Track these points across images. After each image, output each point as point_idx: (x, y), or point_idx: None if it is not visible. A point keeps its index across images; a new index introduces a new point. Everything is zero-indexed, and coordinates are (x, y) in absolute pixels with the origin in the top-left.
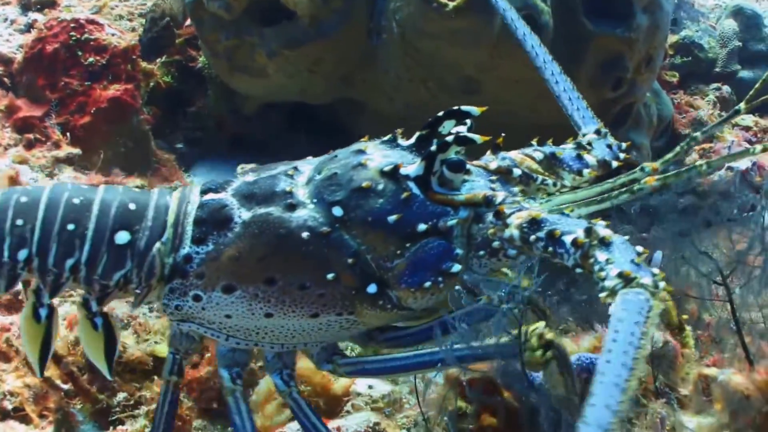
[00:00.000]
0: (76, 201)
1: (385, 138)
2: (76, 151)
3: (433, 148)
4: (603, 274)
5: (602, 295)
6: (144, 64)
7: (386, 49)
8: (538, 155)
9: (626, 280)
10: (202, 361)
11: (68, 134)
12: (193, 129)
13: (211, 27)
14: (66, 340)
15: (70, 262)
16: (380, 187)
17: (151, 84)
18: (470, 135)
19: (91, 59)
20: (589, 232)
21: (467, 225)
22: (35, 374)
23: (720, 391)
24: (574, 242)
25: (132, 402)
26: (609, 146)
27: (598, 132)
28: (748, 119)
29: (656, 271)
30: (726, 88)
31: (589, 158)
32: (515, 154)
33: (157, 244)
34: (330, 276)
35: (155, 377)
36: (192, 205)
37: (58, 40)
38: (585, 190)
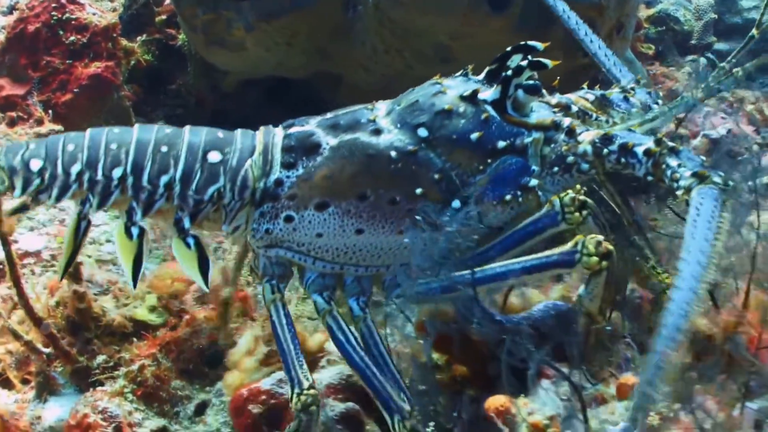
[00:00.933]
0: (167, 131)
1: (457, 74)
2: (59, 127)
3: (509, 72)
4: (677, 176)
5: (679, 193)
6: (125, 42)
7: (362, 20)
8: (591, 96)
9: (701, 178)
10: (180, 323)
11: (50, 111)
12: (173, 106)
13: (188, 2)
14: (46, 304)
15: (164, 178)
16: (461, 109)
17: (132, 62)
18: (542, 60)
19: (72, 38)
20: (659, 142)
21: (540, 145)
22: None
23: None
24: (647, 152)
25: (111, 364)
26: (648, 93)
27: (637, 82)
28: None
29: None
30: (702, 60)
31: (634, 100)
32: (571, 95)
33: (249, 161)
34: (418, 191)
35: (134, 339)
36: (278, 136)
37: (40, 20)
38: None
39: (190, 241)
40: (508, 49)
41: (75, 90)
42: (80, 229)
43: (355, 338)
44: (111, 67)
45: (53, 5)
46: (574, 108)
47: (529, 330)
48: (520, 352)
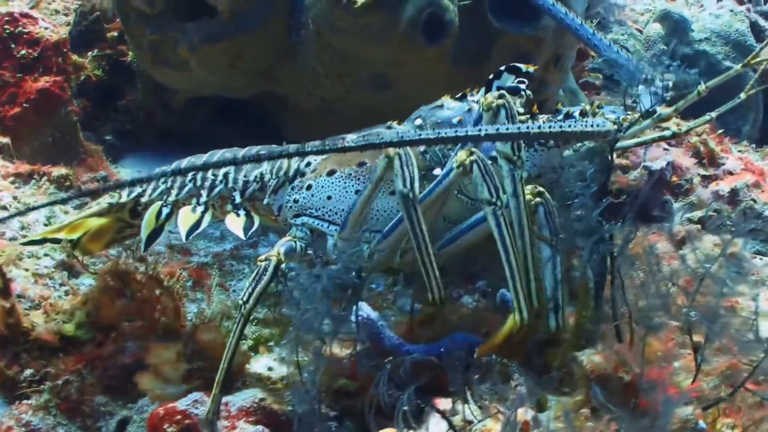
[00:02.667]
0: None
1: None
2: (6, 140)
3: (491, 76)
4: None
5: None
6: (75, 58)
7: (305, 45)
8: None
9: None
10: (107, 340)
11: None
12: (122, 122)
13: (135, 21)
14: None
15: (223, 170)
16: (451, 104)
17: (82, 77)
18: (517, 65)
19: (23, 52)
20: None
21: None
22: None
23: (579, 369)
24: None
25: (38, 378)
26: (655, 93)
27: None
28: (671, 123)
29: None
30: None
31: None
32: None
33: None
34: None
35: (62, 354)
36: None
37: None
38: None
39: (241, 212)
40: (501, 67)
41: (24, 104)
42: (161, 214)
43: None
44: (59, 82)
45: (6, 18)
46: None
47: (410, 360)
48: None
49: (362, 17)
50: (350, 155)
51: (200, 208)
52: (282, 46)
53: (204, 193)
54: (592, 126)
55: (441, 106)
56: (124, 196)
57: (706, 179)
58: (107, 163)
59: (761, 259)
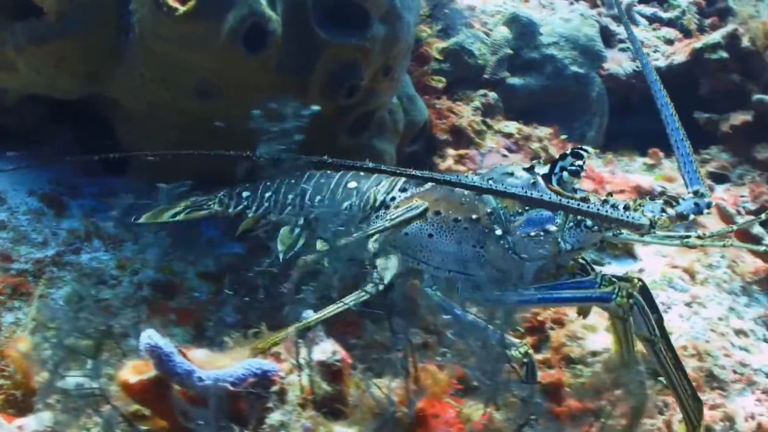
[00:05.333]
0: (328, 172)
1: (526, 166)
2: None
3: (557, 156)
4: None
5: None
6: None
7: (132, 48)
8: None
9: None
10: None
11: None
12: None
13: None
14: None
15: (318, 198)
16: (519, 173)
17: None
18: (580, 151)
19: None
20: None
21: None
22: None
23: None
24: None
25: None
26: (697, 204)
27: (695, 192)
28: (512, 126)
29: None
30: (492, 95)
31: (670, 211)
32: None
33: (374, 189)
34: (474, 217)
35: None
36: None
37: None
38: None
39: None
40: (568, 149)
41: None
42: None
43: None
44: None
45: None
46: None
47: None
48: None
49: (183, 25)
50: (429, 202)
51: (297, 230)
52: (110, 49)
53: (302, 216)
54: (629, 218)
55: (512, 174)
56: (232, 207)
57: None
58: None
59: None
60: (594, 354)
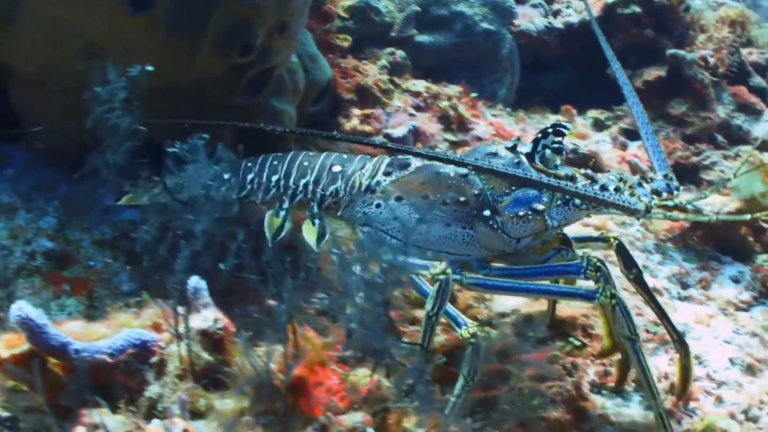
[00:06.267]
0: (311, 154)
1: (509, 145)
2: None
3: (539, 134)
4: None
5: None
6: None
7: (22, 11)
8: (614, 177)
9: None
10: None
11: None
12: None
13: None
14: None
15: (303, 181)
16: (503, 153)
17: None
18: (562, 129)
19: None
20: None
21: None
22: None
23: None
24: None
25: None
26: (668, 185)
27: (665, 176)
28: (420, 85)
29: None
30: (400, 53)
31: (646, 186)
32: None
33: (358, 173)
34: (462, 199)
35: None
36: (387, 159)
37: None
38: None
39: (316, 221)
40: (548, 125)
41: None
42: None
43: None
44: None
45: None
46: (595, 177)
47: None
48: None
49: None
50: (416, 186)
51: (282, 213)
52: (1, 13)
53: (287, 199)
54: (626, 202)
55: (495, 154)
56: None
57: (454, 145)
58: None
59: None
60: (502, 315)
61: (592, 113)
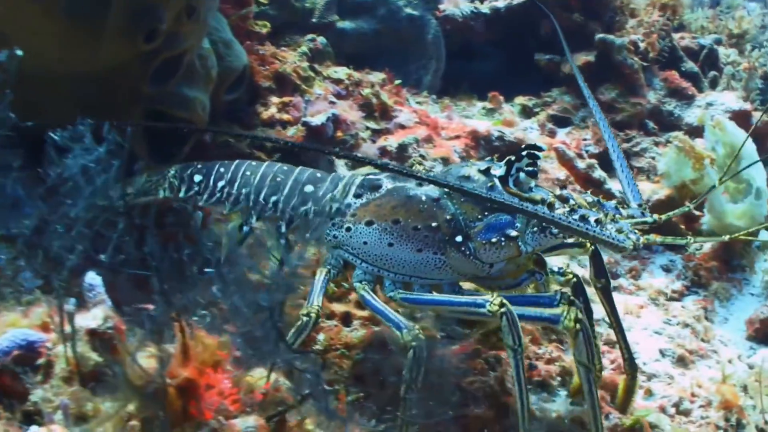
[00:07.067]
0: (284, 168)
1: (485, 159)
2: None
3: (513, 157)
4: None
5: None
6: None
7: None
8: (590, 199)
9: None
10: None
11: None
12: None
13: None
14: None
15: (273, 198)
16: (476, 177)
17: None
18: (535, 152)
19: None
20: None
21: None
22: None
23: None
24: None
25: None
26: (642, 212)
27: (639, 205)
28: (342, 72)
29: None
30: (321, 40)
31: (623, 210)
32: (575, 194)
33: (329, 194)
34: (434, 224)
35: None
36: (358, 179)
37: None
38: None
39: (283, 241)
40: (522, 147)
41: None
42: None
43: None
44: None
45: None
46: (571, 201)
47: None
48: None
49: None
50: (387, 210)
51: (246, 229)
52: None
53: (254, 215)
54: (614, 239)
55: (468, 177)
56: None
57: (376, 134)
58: None
59: None
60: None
61: (520, 100)
